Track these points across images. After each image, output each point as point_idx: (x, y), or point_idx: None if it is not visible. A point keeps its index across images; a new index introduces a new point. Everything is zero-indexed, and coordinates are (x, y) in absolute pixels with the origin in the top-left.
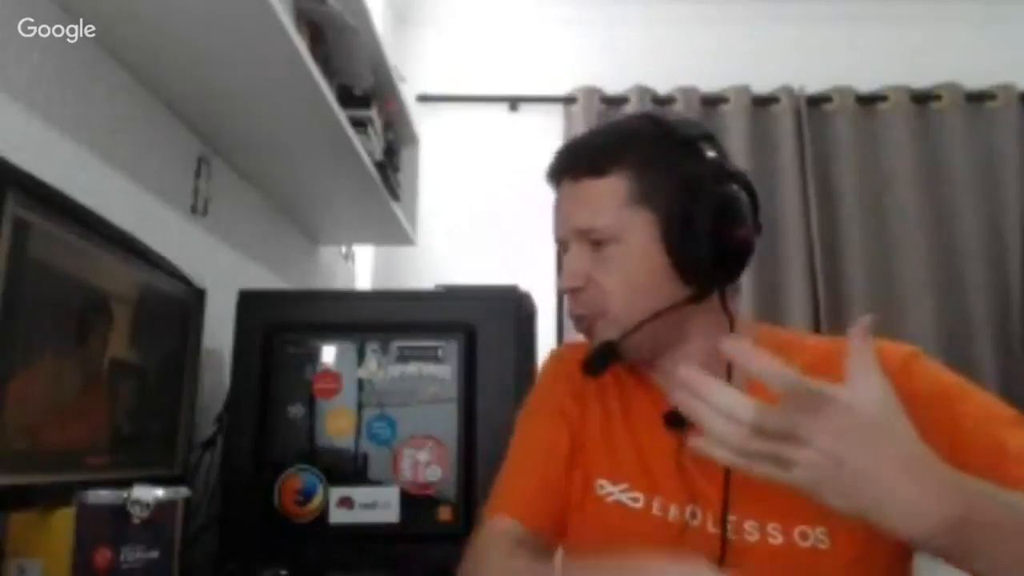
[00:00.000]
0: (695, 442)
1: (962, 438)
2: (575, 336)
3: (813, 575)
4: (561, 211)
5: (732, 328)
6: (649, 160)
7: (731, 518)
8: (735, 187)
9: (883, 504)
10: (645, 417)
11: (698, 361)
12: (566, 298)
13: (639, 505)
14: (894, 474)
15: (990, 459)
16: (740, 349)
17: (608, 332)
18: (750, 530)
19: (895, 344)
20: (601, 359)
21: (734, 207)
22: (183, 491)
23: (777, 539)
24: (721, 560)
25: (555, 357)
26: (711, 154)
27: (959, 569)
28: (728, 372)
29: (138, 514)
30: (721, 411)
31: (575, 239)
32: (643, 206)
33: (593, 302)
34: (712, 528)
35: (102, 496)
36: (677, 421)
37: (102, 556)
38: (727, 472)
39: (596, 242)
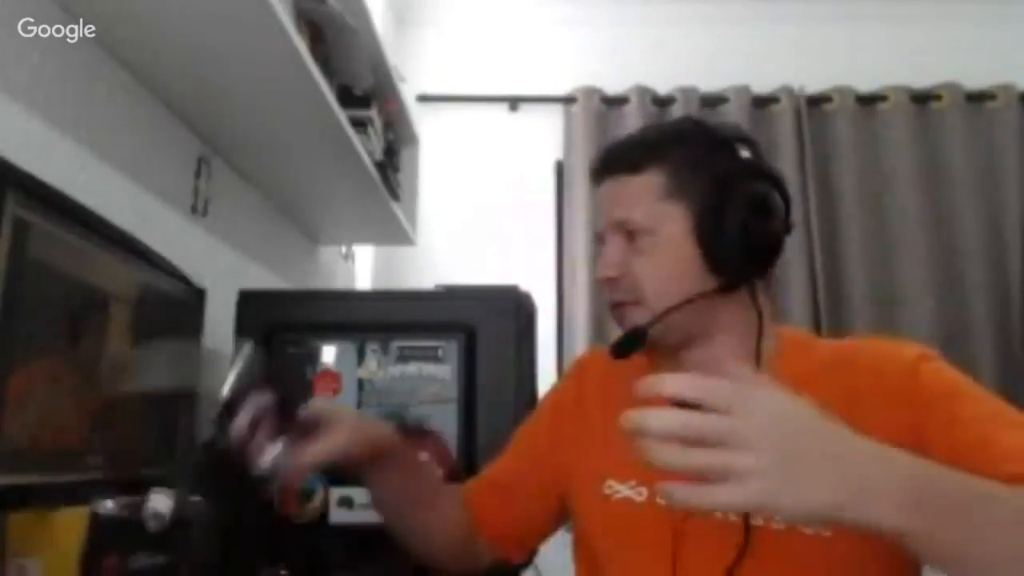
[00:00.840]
0: (661, 487)
1: (956, 435)
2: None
3: (816, 560)
4: (601, 205)
5: (760, 322)
6: (685, 157)
7: None
8: (766, 185)
9: (843, 495)
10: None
11: (727, 355)
12: (602, 287)
13: (643, 498)
14: (843, 460)
15: (980, 455)
16: (646, 385)
17: (639, 318)
18: (753, 514)
19: (907, 344)
20: (629, 342)
21: (762, 203)
22: (196, 501)
23: (780, 524)
24: (745, 544)
25: (576, 361)
26: (745, 154)
27: (937, 564)
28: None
29: (154, 526)
30: (659, 436)
31: (613, 231)
32: (677, 200)
33: (627, 290)
34: (717, 513)
35: (113, 506)
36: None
37: (111, 563)
38: None
39: (632, 234)
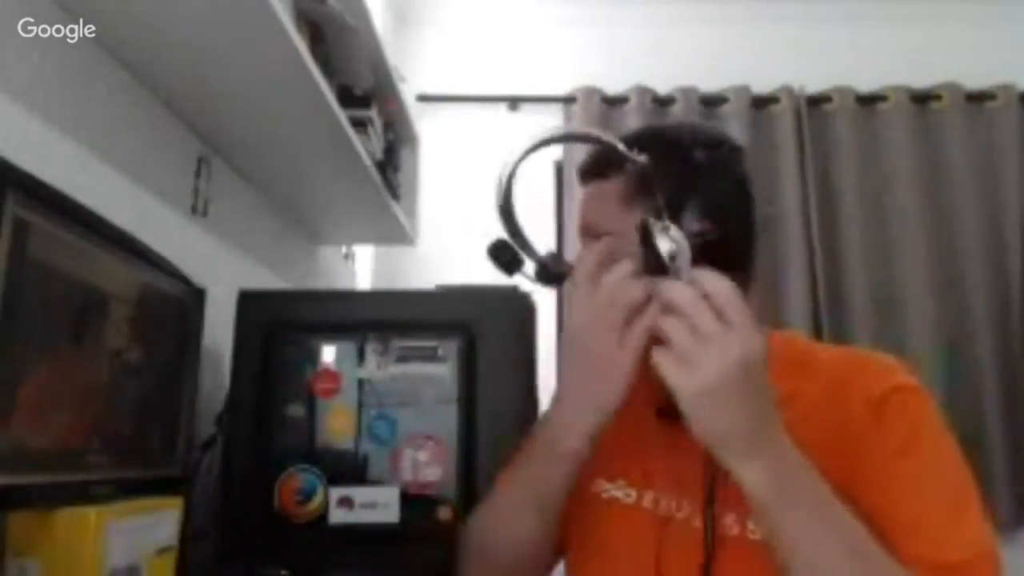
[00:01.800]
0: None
1: (881, 496)
2: None
3: None
4: (577, 211)
5: None
6: (647, 163)
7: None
8: (726, 188)
9: (734, 438)
10: (642, 413)
11: None
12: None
13: (631, 500)
14: (752, 416)
15: (889, 521)
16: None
17: None
18: (731, 523)
19: (893, 366)
20: None
21: (719, 205)
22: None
23: (756, 534)
24: (707, 552)
25: None
26: (705, 158)
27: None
28: None
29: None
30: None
31: (585, 235)
32: (636, 205)
33: None
34: (696, 521)
35: None
36: (668, 415)
37: None
38: (711, 467)
39: (600, 238)
